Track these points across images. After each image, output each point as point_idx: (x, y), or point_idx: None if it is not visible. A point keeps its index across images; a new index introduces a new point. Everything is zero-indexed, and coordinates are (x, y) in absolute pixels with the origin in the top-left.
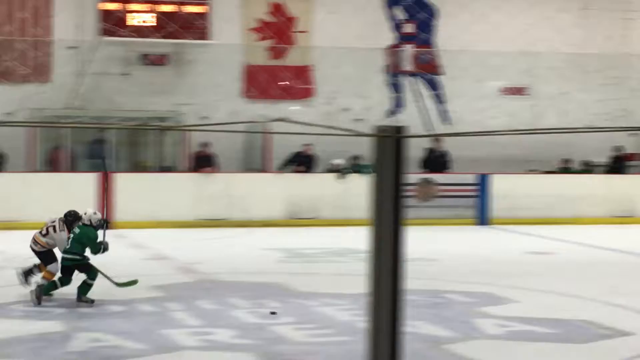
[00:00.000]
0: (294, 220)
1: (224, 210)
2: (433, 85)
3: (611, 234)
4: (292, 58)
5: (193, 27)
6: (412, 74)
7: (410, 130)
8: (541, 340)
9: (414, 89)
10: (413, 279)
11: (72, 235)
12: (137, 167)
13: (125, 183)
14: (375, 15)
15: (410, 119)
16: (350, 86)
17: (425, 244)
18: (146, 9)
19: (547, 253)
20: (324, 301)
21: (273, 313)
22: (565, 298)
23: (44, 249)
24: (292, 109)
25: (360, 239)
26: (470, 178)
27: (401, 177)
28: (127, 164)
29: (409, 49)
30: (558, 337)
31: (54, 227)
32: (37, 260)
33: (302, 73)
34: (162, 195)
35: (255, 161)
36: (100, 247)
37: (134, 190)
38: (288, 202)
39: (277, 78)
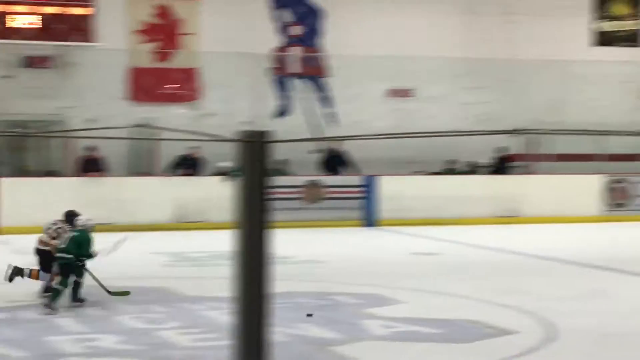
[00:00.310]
0: (181, 224)
1: (110, 214)
2: (320, 88)
3: (496, 234)
4: (179, 61)
5: (78, 29)
6: (299, 77)
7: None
8: (427, 341)
9: (301, 91)
10: (300, 281)
11: (69, 236)
12: (22, 171)
13: (10, 188)
14: (262, 17)
15: (297, 122)
16: (237, 89)
17: (313, 246)
18: (29, 11)
19: (433, 254)
20: (210, 305)
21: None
22: (451, 298)
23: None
24: (177, 112)
25: None
26: (357, 180)
27: (266, 180)
28: (11, 169)
29: (296, 52)
30: (443, 337)
31: (63, 227)
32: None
33: (188, 76)
34: (47, 200)
35: (141, 164)
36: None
37: (18, 196)
38: (175, 206)
39: (163, 81)
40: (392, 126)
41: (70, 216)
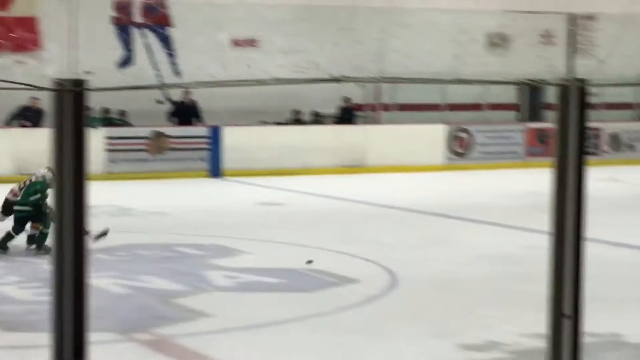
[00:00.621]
0: (22, 176)
1: None
2: (163, 38)
3: (341, 184)
4: (18, 8)
5: None
6: (142, 26)
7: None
8: (270, 291)
9: (144, 41)
10: (143, 233)
11: (24, 188)
12: None
13: None
14: None
15: (140, 71)
16: (78, 38)
17: (157, 198)
18: None
19: (278, 204)
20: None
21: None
22: (296, 248)
23: None
24: (16, 61)
25: (94, 193)
26: (202, 131)
27: (82, 131)
28: None
29: (138, 1)
30: (287, 286)
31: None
32: None
33: (27, 24)
34: None
35: None
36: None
37: None
38: (15, 158)
39: (1, 30)
40: (237, 76)
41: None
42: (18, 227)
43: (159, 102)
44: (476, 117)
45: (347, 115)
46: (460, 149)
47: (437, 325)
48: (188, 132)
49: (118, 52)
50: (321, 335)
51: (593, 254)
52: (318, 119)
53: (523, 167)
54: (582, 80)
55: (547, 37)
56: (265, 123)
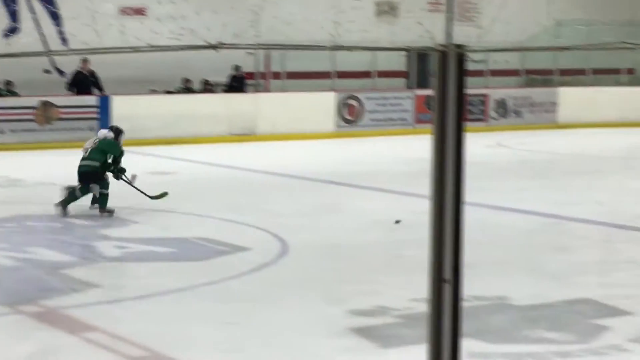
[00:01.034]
0: None
1: None
2: (50, 8)
3: (232, 152)
4: None
5: None
6: None
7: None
8: (160, 260)
9: (31, 11)
10: (31, 204)
11: (92, 146)
12: None
13: None
14: None
15: (27, 42)
16: None
17: (46, 169)
18: None
19: (169, 173)
20: None
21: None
22: (186, 217)
23: None
24: None
25: None
26: (91, 100)
27: None
28: None
29: None
30: (177, 255)
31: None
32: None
33: None
34: None
35: None
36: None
37: None
38: None
39: None
40: (125, 45)
41: (113, 131)
42: (84, 187)
43: (46, 71)
44: (366, 85)
45: (237, 83)
46: (350, 117)
47: (328, 292)
48: (77, 101)
49: (4, 21)
50: (212, 304)
51: (479, 219)
52: (208, 87)
53: (413, 133)
54: (460, 46)
55: (435, 5)
56: (154, 92)
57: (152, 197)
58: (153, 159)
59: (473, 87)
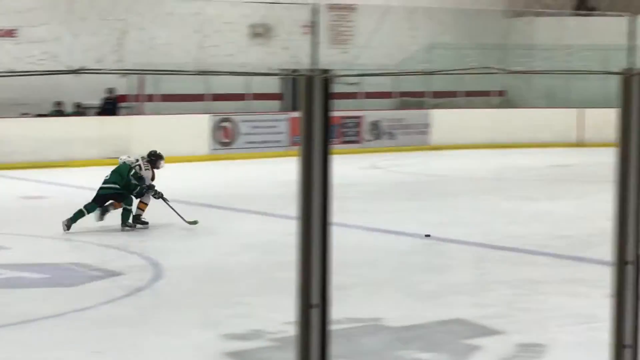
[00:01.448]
0: None
1: None
2: None
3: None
4: None
5: None
6: None
7: None
8: (32, 286)
9: None
10: None
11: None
12: None
13: None
14: None
15: None
16: None
17: None
18: None
19: (39, 197)
20: None
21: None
22: (58, 242)
23: None
24: None
25: None
26: None
27: None
28: None
29: None
30: (48, 281)
31: (139, 166)
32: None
33: None
34: None
35: None
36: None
37: None
38: None
39: None
40: None
41: (153, 156)
42: (92, 205)
43: None
44: (241, 107)
45: (110, 106)
46: (224, 139)
47: (202, 315)
48: None
49: None
50: (85, 330)
51: (354, 241)
52: (81, 110)
53: (287, 155)
54: (326, 71)
55: (309, 28)
56: (26, 115)
57: (189, 222)
58: (24, 183)
59: (348, 110)
